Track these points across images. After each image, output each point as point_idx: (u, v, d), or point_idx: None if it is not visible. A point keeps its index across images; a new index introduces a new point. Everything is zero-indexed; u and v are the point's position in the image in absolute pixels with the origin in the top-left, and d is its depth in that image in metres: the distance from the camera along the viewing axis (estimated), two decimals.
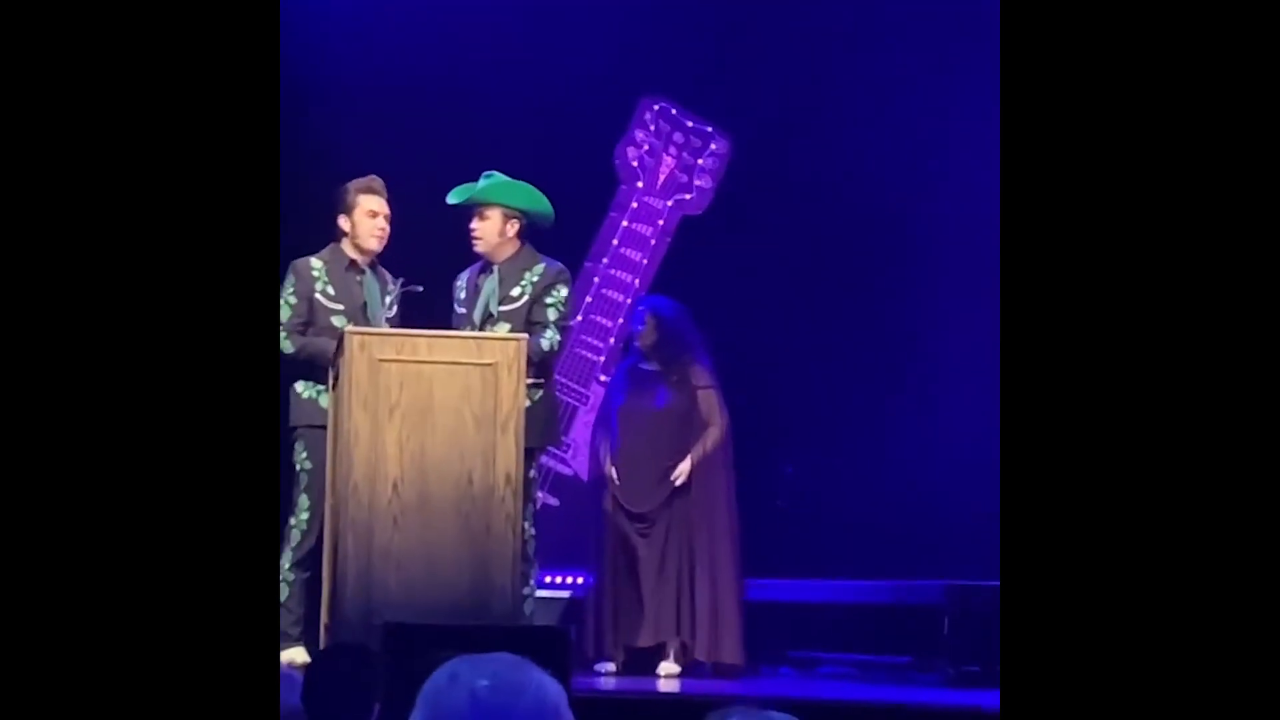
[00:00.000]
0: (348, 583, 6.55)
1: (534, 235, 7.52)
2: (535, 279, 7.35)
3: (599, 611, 8.08)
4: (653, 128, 10.19)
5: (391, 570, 6.55)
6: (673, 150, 10.19)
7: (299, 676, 4.92)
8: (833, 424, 9.74)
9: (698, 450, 8.05)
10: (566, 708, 2.52)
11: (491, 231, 7.36)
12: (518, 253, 7.41)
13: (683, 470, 8.02)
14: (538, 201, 7.43)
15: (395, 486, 6.58)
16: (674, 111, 10.21)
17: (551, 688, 2.53)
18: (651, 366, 8.16)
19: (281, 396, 7.26)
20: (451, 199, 7.44)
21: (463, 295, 7.48)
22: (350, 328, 6.91)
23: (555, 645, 6.33)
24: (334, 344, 7.12)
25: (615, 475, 8.06)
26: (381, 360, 6.63)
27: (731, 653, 8.03)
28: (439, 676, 2.53)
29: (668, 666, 7.93)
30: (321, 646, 6.68)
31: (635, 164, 10.17)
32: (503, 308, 7.30)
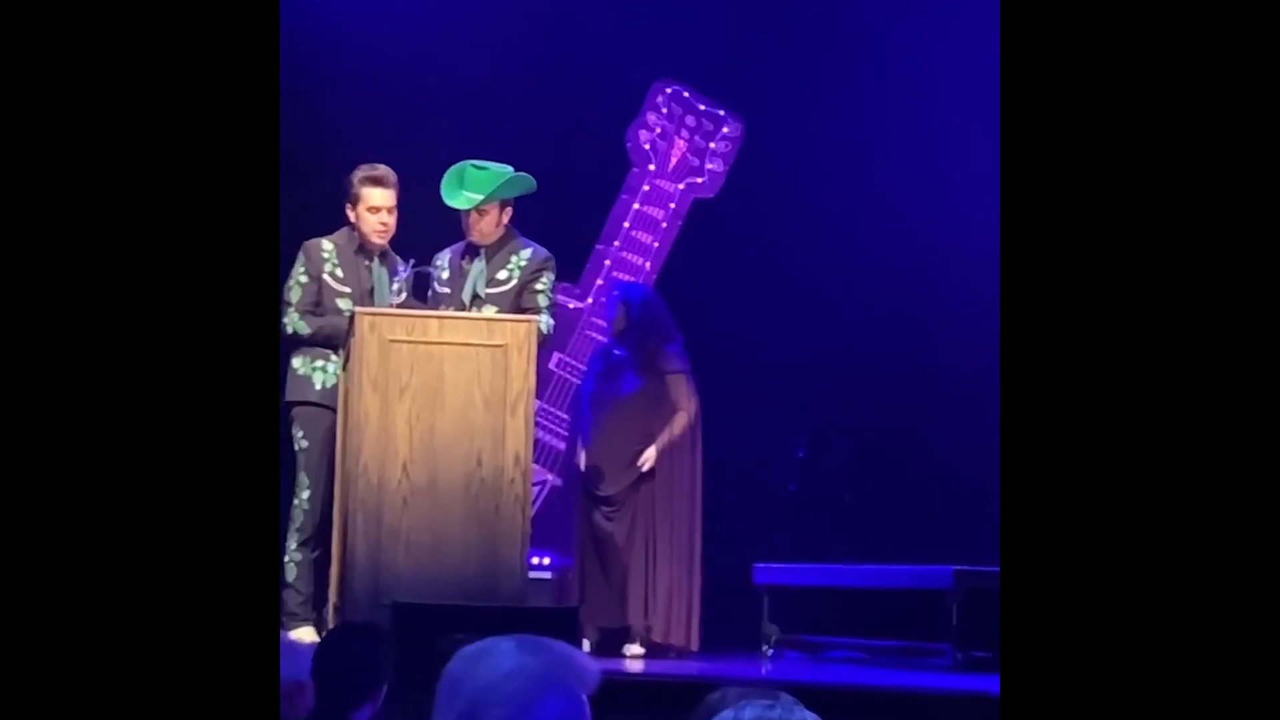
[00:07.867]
0: (357, 563, 6.56)
1: (521, 216, 7.52)
2: (523, 264, 7.40)
3: (571, 593, 8.11)
4: (665, 110, 10.17)
5: (400, 550, 6.56)
6: (685, 133, 10.17)
7: (303, 648, 4.90)
8: (844, 407, 9.72)
9: (664, 437, 8.06)
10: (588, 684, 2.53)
11: (491, 224, 7.40)
12: (503, 237, 7.44)
13: (649, 456, 8.03)
14: (528, 185, 7.45)
15: (405, 467, 6.60)
16: (686, 94, 10.19)
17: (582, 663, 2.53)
18: (623, 352, 8.17)
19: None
20: (460, 204, 7.36)
21: (445, 276, 7.47)
22: (359, 309, 6.91)
23: (563, 625, 6.35)
24: (346, 323, 7.12)
25: (584, 460, 8.09)
26: (392, 341, 6.65)
27: (683, 637, 8.06)
28: (456, 665, 2.52)
29: (633, 649, 7.97)
30: (330, 626, 6.68)
31: (647, 147, 10.15)
32: (490, 290, 7.34)
